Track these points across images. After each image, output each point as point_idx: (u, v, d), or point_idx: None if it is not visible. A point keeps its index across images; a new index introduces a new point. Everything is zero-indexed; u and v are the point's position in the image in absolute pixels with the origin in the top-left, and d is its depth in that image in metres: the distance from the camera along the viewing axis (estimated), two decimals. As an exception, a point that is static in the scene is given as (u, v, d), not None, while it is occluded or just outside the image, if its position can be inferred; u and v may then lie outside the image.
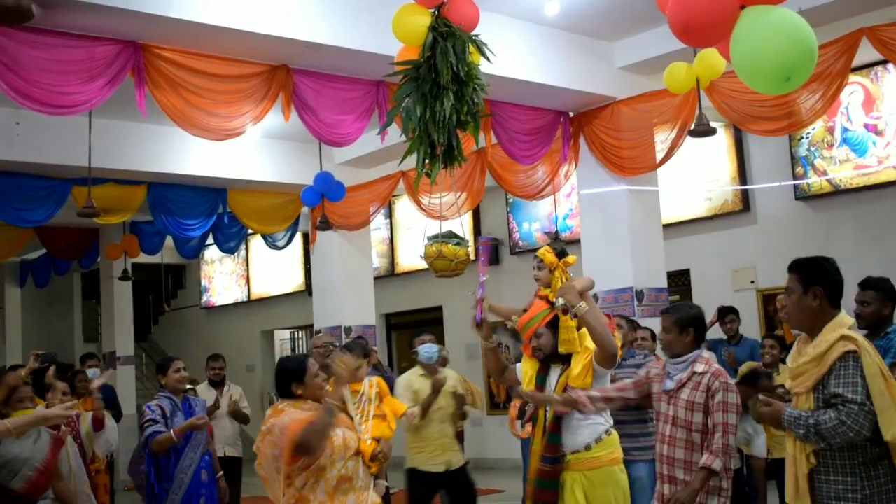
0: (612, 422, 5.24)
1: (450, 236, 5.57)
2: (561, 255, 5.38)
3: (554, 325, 5.17)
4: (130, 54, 6.72)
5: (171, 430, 6.27)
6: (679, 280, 11.59)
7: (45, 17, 5.94)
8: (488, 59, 4.64)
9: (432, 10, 4.51)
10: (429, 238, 5.67)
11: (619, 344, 5.33)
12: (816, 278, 3.99)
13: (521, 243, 13.80)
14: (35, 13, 5.01)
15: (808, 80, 7.13)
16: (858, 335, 3.92)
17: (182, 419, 6.41)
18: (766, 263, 10.77)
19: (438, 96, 4.29)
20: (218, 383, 8.91)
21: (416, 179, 4.63)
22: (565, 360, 5.17)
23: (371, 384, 5.68)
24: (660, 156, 8.80)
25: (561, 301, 5.01)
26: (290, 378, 4.82)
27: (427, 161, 4.37)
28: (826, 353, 3.87)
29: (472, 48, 4.52)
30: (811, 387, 3.92)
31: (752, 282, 11.04)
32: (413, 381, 7.04)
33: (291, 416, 4.63)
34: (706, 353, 4.90)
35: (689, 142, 8.56)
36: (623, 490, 5.16)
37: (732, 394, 4.66)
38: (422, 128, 4.30)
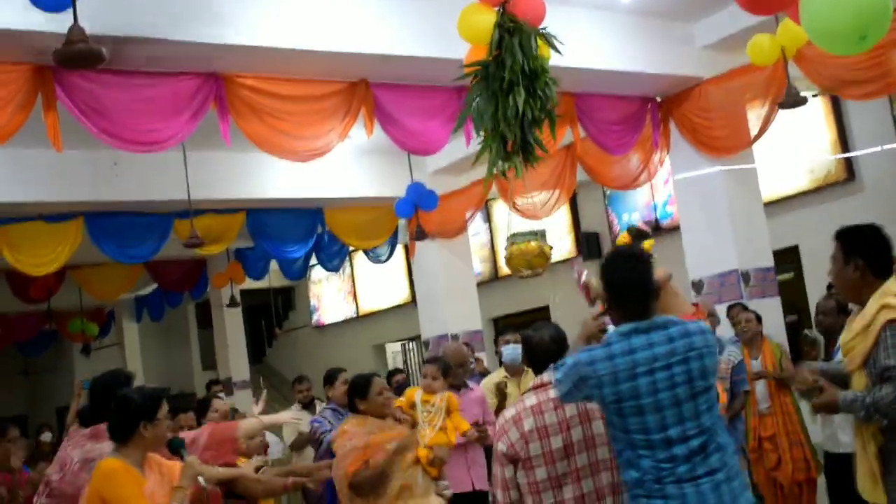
0: None
1: (538, 235, 5.51)
2: (637, 237, 5.29)
3: None
4: (211, 86, 6.82)
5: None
6: (788, 257, 11.25)
7: (122, 57, 6.10)
8: (558, 52, 4.57)
9: (497, 8, 4.46)
10: (516, 235, 5.64)
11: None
12: (857, 248, 3.84)
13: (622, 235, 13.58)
14: (106, 56, 5.12)
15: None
16: None
17: None
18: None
19: (509, 93, 4.24)
20: (308, 405, 8.92)
21: (486, 179, 4.62)
22: None
23: (443, 398, 5.69)
24: (753, 132, 8.56)
25: None
26: (353, 394, 5.12)
27: (501, 160, 4.32)
28: (870, 326, 3.70)
29: (540, 42, 4.46)
30: (861, 363, 3.75)
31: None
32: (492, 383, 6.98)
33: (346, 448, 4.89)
34: None
35: (785, 114, 8.31)
36: None
37: None
38: (493, 126, 4.26)
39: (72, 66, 5.29)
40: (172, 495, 3.86)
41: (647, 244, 5.38)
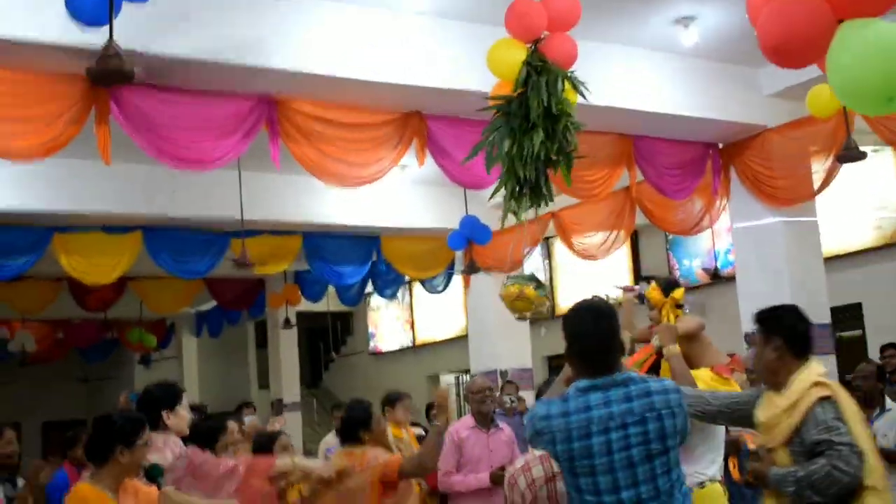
0: (713, 473, 4.86)
1: (530, 279, 5.43)
2: (668, 288, 5.16)
3: (656, 369, 4.91)
4: (263, 108, 6.85)
5: None
6: (849, 314, 10.92)
7: (173, 75, 6.18)
8: (583, 96, 4.49)
9: (529, 45, 4.39)
10: (509, 277, 5.58)
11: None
12: (775, 329, 3.83)
13: (681, 281, 13.35)
14: (136, 75, 5.15)
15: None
16: (832, 381, 3.74)
17: None
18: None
19: (528, 132, 4.16)
20: None
21: (503, 218, 4.61)
22: None
23: (411, 433, 6.19)
24: (816, 185, 8.34)
25: (656, 341, 4.78)
26: (358, 425, 5.06)
27: (513, 199, 4.27)
28: (798, 402, 3.66)
29: (567, 85, 4.37)
30: (784, 440, 3.70)
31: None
32: None
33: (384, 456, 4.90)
34: None
35: (854, 169, 8.07)
36: None
37: None
38: (508, 163, 4.19)
39: (103, 83, 5.34)
40: None
41: (677, 293, 5.24)
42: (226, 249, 10.77)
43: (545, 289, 5.52)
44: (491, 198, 4.91)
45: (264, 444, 5.71)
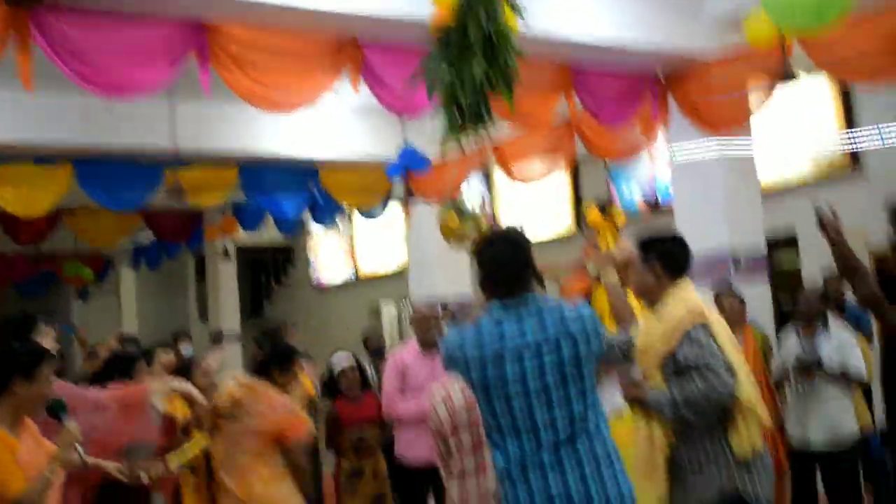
0: None
1: (456, 207, 5.41)
2: (605, 209, 5.24)
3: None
4: (192, 33, 6.64)
5: None
6: (785, 246, 11.02)
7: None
8: (522, 18, 4.41)
9: (466, -31, 4.29)
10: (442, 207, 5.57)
11: None
12: (654, 253, 4.13)
13: (623, 213, 13.35)
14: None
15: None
16: (706, 308, 4.00)
17: None
18: (881, 223, 10.13)
19: (467, 58, 4.10)
20: None
21: (444, 144, 4.59)
22: None
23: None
24: (754, 111, 8.32)
25: (592, 268, 4.83)
26: (274, 362, 4.97)
27: (454, 128, 4.22)
28: (673, 327, 3.85)
29: (507, 10, 4.29)
30: (659, 362, 3.88)
31: (866, 243, 10.39)
32: None
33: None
34: None
35: (791, 99, 8.05)
36: None
37: None
38: (448, 91, 4.13)
39: (23, 4, 5.13)
40: (48, 465, 3.68)
41: (618, 215, 5.30)
42: (160, 181, 10.56)
43: (471, 217, 5.48)
44: (437, 127, 4.84)
45: (185, 369, 5.62)
